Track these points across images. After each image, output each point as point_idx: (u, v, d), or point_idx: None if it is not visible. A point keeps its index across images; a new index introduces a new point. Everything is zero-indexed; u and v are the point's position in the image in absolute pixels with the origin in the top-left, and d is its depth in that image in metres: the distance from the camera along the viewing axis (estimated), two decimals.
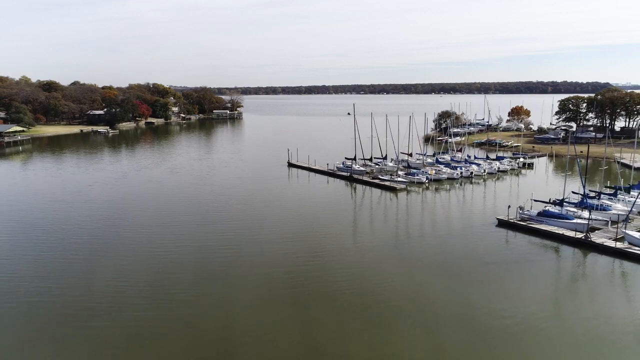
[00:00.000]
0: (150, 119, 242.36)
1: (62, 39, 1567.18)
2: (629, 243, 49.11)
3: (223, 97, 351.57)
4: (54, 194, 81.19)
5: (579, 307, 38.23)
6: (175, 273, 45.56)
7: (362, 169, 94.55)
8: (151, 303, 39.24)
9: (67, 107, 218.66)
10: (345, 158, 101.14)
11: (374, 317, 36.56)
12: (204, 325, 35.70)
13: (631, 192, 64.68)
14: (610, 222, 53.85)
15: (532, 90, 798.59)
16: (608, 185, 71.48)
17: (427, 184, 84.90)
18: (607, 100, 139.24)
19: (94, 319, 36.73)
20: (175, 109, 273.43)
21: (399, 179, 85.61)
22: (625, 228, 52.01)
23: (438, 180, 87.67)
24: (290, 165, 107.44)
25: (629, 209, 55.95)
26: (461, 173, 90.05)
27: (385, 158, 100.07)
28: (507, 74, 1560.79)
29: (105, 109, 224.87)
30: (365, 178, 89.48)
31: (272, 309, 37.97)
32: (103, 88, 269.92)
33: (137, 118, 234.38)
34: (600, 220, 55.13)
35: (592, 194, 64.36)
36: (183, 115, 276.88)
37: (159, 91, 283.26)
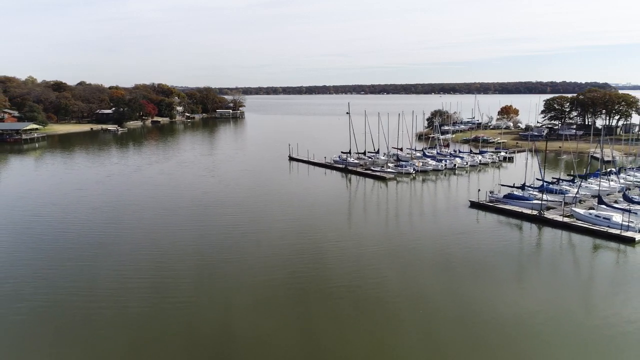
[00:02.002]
0: (156, 118, 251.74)
1: (62, 39, 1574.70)
2: (576, 219, 58.43)
3: (225, 97, 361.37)
4: (77, 184, 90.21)
5: (528, 270, 47.38)
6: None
7: (356, 161, 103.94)
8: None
9: (77, 106, 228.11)
10: (341, 152, 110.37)
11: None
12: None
13: (588, 179, 73.94)
14: (564, 202, 62.97)
15: (531, 91, 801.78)
16: (570, 173, 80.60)
17: (414, 175, 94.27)
18: (589, 100, 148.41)
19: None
20: (179, 108, 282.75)
21: (389, 169, 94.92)
22: (574, 207, 61.41)
23: (424, 172, 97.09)
24: (291, 159, 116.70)
25: (577, 191, 66.22)
26: (445, 165, 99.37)
27: (377, 152, 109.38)
28: (507, 74, 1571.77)
29: (113, 108, 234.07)
30: (359, 169, 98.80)
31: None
32: (110, 88, 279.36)
33: (144, 117, 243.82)
34: (556, 201, 64.32)
35: (554, 180, 73.80)
36: (187, 115, 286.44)
37: (163, 91, 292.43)
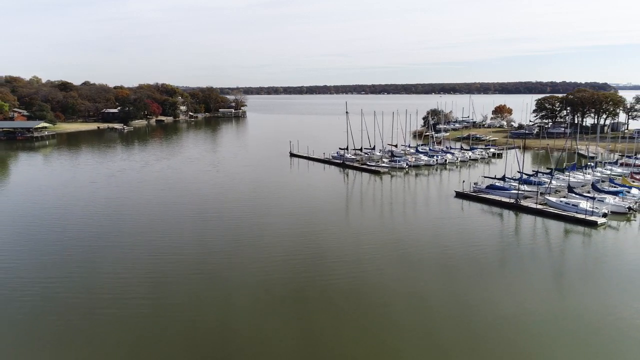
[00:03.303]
0: (160, 117, 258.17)
1: (62, 39, 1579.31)
2: (549, 205, 64.79)
3: (228, 96, 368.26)
4: (92, 177, 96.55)
5: (506, 256, 53.57)
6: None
7: (353, 157, 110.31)
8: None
9: (84, 105, 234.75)
10: (339, 148, 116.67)
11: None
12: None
13: (565, 172, 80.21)
14: (538, 192, 69.23)
15: (531, 91, 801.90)
16: (550, 167, 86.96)
17: (407, 169, 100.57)
18: (577, 100, 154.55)
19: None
20: (183, 107, 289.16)
21: (383, 164, 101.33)
22: (549, 195, 67.82)
23: (417, 166, 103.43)
24: (292, 155, 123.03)
25: (550, 182, 73.33)
26: (437, 160, 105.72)
27: (373, 148, 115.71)
28: (507, 74, 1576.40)
29: (119, 108, 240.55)
30: (356, 164, 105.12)
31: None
32: (115, 88, 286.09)
33: (149, 116, 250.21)
34: (532, 191, 70.59)
35: (532, 173, 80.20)
36: (191, 114, 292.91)
37: (167, 91, 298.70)
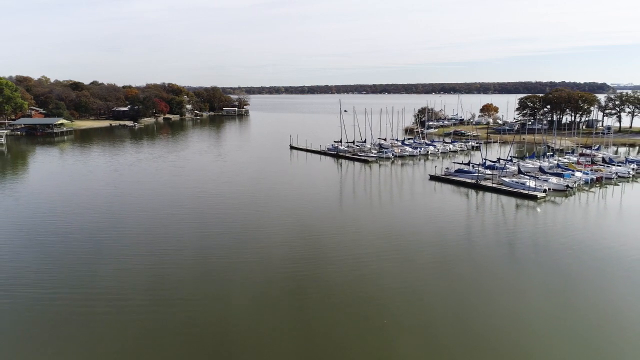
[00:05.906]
0: (167, 115, 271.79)
1: (65, 39, 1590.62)
2: (504, 185, 78.31)
3: (231, 96, 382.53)
4: (113, 166, 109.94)
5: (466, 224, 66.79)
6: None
7: (346, 148, 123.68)
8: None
9: (96, 104, 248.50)
10: (334, 141, 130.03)
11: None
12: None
13: (526, 160, 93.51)
14: (498, 175, 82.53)
15: (530, 90, 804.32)
16: (515, 155, 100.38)
17: (393, 159, 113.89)
18: (555, 99, 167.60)
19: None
20: (189, 106, 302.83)
21: (372, 154, 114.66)
22: (504, 177, 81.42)
23: (402, 157, 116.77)
24: (292, 148, 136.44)
25: (504, 165, 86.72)
26: (419, 152, 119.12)
27: (364, 141, 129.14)
28: (507, 74, 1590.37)
29: (129, 106, 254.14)
30: (348, 155, 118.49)
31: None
32: (124, 87, 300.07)
33: (157, 114, 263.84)
34: (492, 174, 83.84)
35: (495, 160, 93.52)
36: (196, 112, 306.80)
37: (173, 90, 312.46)
